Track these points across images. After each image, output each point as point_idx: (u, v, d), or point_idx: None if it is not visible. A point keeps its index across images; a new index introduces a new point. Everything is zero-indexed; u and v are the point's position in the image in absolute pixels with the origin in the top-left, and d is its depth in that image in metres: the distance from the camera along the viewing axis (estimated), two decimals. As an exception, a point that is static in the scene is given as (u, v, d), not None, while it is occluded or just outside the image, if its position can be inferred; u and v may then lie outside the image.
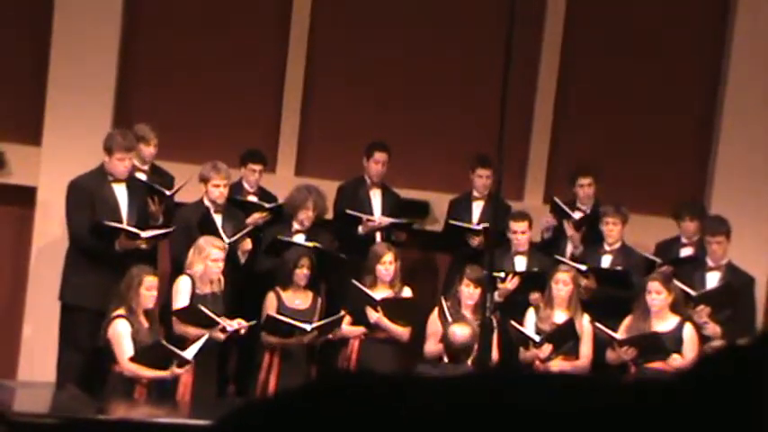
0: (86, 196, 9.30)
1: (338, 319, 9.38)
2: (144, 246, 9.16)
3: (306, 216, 9.87)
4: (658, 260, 9.97)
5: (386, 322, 9.46)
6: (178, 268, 9.48)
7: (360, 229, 10.23)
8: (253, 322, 9.11)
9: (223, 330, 8.88)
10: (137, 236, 9.14)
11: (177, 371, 8.53)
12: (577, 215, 10.31)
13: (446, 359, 8.56)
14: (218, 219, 9.62)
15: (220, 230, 9.44)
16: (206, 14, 11.04)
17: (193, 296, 8.98)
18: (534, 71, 11.23)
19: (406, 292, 9.70)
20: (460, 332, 8.44)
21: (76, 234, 9.36)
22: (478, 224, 10.29)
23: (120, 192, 9.40)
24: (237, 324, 8.97)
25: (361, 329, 9.48)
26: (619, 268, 9.86)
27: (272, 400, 1.69)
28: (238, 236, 9.52)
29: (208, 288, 9.04)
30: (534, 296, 9.74)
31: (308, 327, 9.13)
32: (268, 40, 11.12)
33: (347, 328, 9.48)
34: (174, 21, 11.01)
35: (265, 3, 11.15)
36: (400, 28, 11.23)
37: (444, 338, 8.62)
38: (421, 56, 11.20)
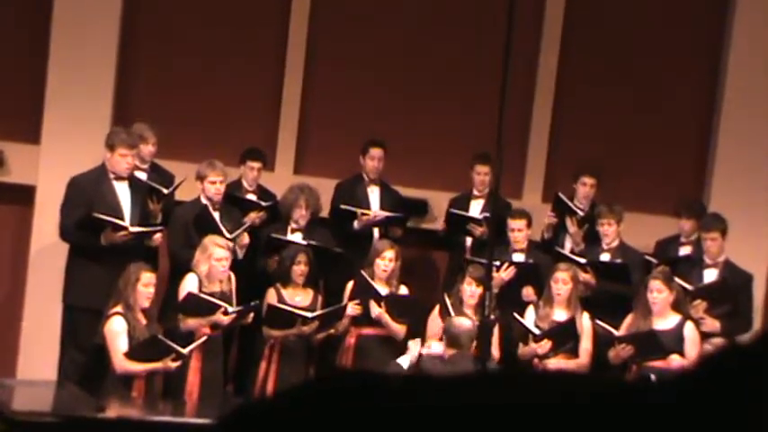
0: (83, 194, 9.29)
1: (340, 309, 9.38)
2: (127, 238, 9.10)
3: (300, 215, 9.87)
4: (654, 260, 9.96)
5: (387, 318, 9.45)
6: (176, 267, 9.48)
7: (355, 224, 10.21)
8: (256, 302, 9.11)
9: (225, 313, 8.87)
10: (123, 229, 9.13)
11: (171, 364, 8.51)
12: (579, 213, 10.29)
13: (445, 345, 8.62)
14: (215, 216, 9.60)
15: (220, 226, 9.42)
16: (205, 12, 11.03)
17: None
18: (533, 68, 11.22)
19: (403, 291, 9.69)
20: (462, 321, 8.53)
21: (64, 228, 9.37)
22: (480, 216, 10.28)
23: (123, 190, 9.39)
24: (240, 308, 8.94)
25: (356, 303, 9.40)
26: (618, 261, 9.85)
27: (271, 401, 1.68)
28: (239, 231, 9.51)
29: (216, 287, 9.03)
30: (527, 291, 9.72)
31: (309, 314, 9.15)
32: (267, 38, 11.11)
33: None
34: (173, 19, 11.00)
35: (265, 0, 11.15)
36: (399, 25, 11.22)
37: (445, 328, 8.67)
38: (420, 53, 11.19)
